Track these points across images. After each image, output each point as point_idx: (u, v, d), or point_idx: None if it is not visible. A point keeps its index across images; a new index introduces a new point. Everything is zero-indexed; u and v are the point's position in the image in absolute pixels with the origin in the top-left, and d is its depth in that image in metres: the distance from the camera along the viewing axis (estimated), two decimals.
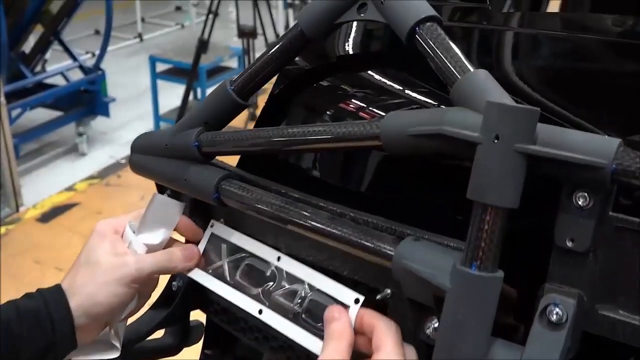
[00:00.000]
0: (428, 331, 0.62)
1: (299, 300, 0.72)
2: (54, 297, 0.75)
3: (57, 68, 5.04)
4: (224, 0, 4.96)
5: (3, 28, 4.04)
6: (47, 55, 5.29)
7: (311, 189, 0.75)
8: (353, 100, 0.79)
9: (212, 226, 0.84)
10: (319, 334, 0.69)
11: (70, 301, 0.75)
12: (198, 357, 0.95)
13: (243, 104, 0.78)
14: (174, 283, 0.90)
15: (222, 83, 0.79)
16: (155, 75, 5.10)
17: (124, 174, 4.34)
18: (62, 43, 4.96)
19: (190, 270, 0.83)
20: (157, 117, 5.08)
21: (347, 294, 0.67)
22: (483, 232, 0.53)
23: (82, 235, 3.57)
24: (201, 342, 0.95)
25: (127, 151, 4.62)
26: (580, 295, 0.54)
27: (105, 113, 4.92)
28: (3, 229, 3.68)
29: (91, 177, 4.35)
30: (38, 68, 5.11)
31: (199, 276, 0.83)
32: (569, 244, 0.54)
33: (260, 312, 0.76)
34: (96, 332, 0.79)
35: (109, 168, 4.45)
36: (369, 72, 0.82)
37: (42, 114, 4.86)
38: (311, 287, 0.72)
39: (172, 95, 5.19)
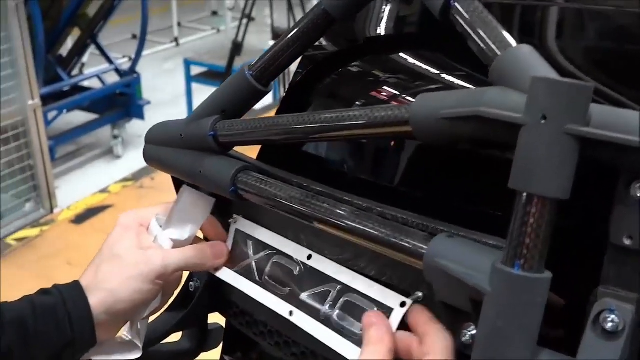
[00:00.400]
0: (464, 339, 0.55)
1: (331, 302, 0.66)
2: (72, 293, 0.71)
3: (94, 71, 5.06)
4: (259, 0, 4.93)
5: (40, 31, 4.06)
6: (85, 59, 5.33)
7: (335, 182, 0.69)
8: (382, 86, 0.73)
9: (235, 222, 0.78)
10: (354, 338, 0.63)
11: (90, 297, 0.71)
12: None
13: (263, 90, 0.73)
14: (191, 283, 0.84)
15: (241, 69, 0.74)
16: (190, 78, 5.09)
17: (157, 177, 4.32)
18: (98, 46, 4.98)
19: (218, 268, 0.78)
20: None
21: (391, 297, 0.61)
22: (528, 227, 0.46)
23: None
24: (220, 347, 0.89)
25: None
26: (639, 301, 0.47)
27: (140, 116, 4.92)
28: (37, 231, 3.70)
29: (125, 180, 4.35)
30: (75, 71, 5.15)
31: (227, 275, 0.78)
32: (627, 241, 0.47)
33: (291, 313, 0.70)
34: (116, 329, 0.75)
35: (142, 170, 4.44)
36: (400, 54, 0.75)
37: (78, 117, 4.89)
38: (346, 288, 0.66)
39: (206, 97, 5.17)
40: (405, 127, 0.55)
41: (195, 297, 0.82)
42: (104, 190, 4.20)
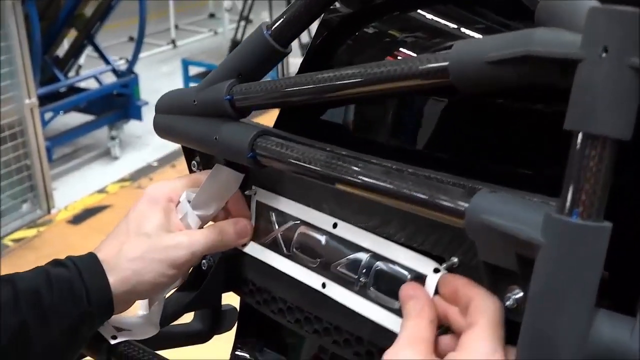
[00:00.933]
0: (508, 303, 0.51)
1: (364, 271, 0.63)
2: (90, 268, 0.67)
3: (91, 72, 5.02)
4: (258, 0, 4.90)
5: (37, 31, 4.02)
6: (82, 61, 5.28)
7: (359, 148, 0.65)
8: (408, 45, 0.69)
9: (255, 194, 0.74)
10: (392, 308, 0.60)
11: (110, 274, 0.67)
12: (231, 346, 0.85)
13: (282, 52, 0.68)
14: (203, 261, 0.80)
15: (258, 28, 0.69)
16: (188, 79, 5.06)
17: (156, 177, 4.29)
18: (95, 47, 4.94)
19: (244, 246, 0.75)
20: None
21: (423, 263, 0.58)
22: (587, 171, 0.42)
23: None
24: (234, 329, 0.85)
25: (159, 155, 4.62)
26: None
27: (138, 117, 4.88)
28: (35, 231, 3.65)
29: (123, 180, 4.31)
30: (72, 73, 5.10)
31: (254, 250, 0.75)
32: None
33: (323, 285, 0.67)
34: (132, 304, 0.72)
35: (140, 171, 4.40)
36: (424, 14, 0.71)
37: (75, 118, 4.84)
38: (377, 255, 0.62)
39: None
40: (443, 77, 0.52)
41: (208, 276, 0.78)
42: (101, 191, 4.15)
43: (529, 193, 0.51)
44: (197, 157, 0.78)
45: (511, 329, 0.51)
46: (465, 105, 0.63)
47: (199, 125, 0.71)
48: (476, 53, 0.49)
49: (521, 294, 0.51)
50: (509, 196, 0.49)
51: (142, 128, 5.00)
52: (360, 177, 0.57)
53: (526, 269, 0.48)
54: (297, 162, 0.62)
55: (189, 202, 0.73)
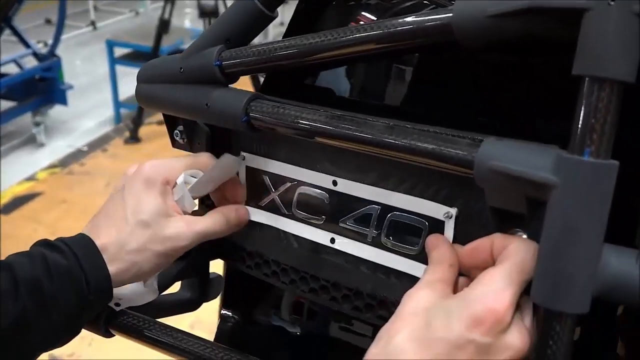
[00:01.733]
0: None
1: (376, 223, 0.65)
2: (88, 256, 0.66)
3: (10, 56, 4.81)
4: None
5: None
6: None
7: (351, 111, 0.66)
8: (400, 7, 0.70)
9: (244, 159, 0.75)
10: (412, 255, 0.64)
11: (111, 265, 0.66)
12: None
13: (270, 16, 0.69)
14: None
15: None
16: (113, 61, 4.91)
17: (87, 162, 4.17)
18: (14, 30, 4.73)
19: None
20: (118, 104, 4.90)
21: (435, 209, 0.61)
22: (597, 112, 0.45)
23: (47, 225, 3.42)
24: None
25: (87, 139, 4.49)
26: None
27: (63, 101, 4.71)
28: None
29: (53, 166, 4.17)
30: None
31: (255, 215, 0.75)
32: None
33: (332, 240, 0.69)
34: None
35: (70, 156, 4.27)
36: None
37: None
38: (388, 207, 0.64)
39: (132, 81, 4.96)
40: (445, 33, 0.54)
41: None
42: (30, 178, 4.01)
43: (531, 142, 0.54)
44: (180, 126, 0.78)
45: None
46: (461, 61, 0.65)
47: (187, 92, 0.71)
48: (479, 7, 0.51)
49: (524, 235, 0.54)
50: (515, 143, 0.52)
51: (67, 112, 4.84)
52: (365, 133, 0.59)
53: (534, 211, 0.51)
54: (297, 123, 0.63)
55: (186, 184, 0.72)
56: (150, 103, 0.76)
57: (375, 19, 0.75)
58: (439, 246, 0.58)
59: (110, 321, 0.73)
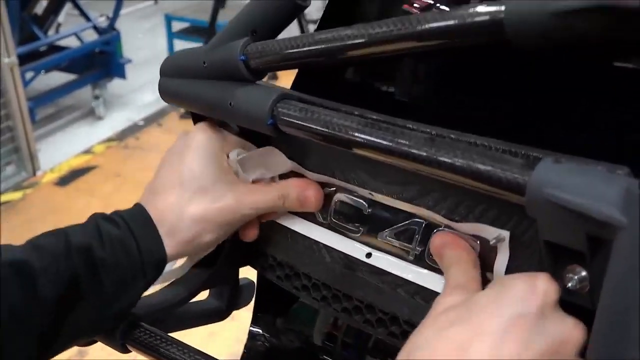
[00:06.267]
0: (570, 284, 0.47)
1: (419, 238, 0.59)
2: (140, 224, 0.64)
3: (71, 29, 4.86)
4: None
5: None
6: (62, 19, 5.11)
7: (391, 112, 0.59)
8: None
9: None
10: None
11: (170, 236, 0.64)
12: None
13: (301, 4, 0.62)
14: None
15: None
16: (171, 35, 4.92)
17: (142, 136, 4.19)
18: (75, 3, 4.78)
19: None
20: None
21: (488, 231, 0.53)
22: None
23: (101, 199, 3.45)
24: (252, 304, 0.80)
25: (145, 113, 4.51)
26: None
27: (122, 75, 4.75)
28: (20, 194, 3.56)
29: (109, 140, 4.21)
30: (52, 31, 4.94)
31: (287, 221, 0.70)
32: None
33: (368, 255, 0.63)
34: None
35: (126, 130, 4.30)
36: None
37: (57, 78, 4.70)
38: (434, 224, 0.57)
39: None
40: (496, 32, 0.46)
41: (224, 250, 0.73)
42: (87, 151, 4.06)
43: (592, 160, 0.46)
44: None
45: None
46: (516, 62, 0.57)
47: (211, 89, 0.65)
48: (539, 3, 0.43)
49: (584, 273, 0.46)
50: (576, 167, 0.43)
51: (126, 86, 4.88)
52: (400, 145, 0.51)
53: (596, 249, 0.43)
54: (325, 130, 0.56)
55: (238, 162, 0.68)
56: (173, 99, 0.70)
57: (431, 2, 0.67)
58: (452, 244, 0.54)
59: (126, 336, 0.67)
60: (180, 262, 0.72)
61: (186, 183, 0.65)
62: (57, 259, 0.59)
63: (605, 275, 0.40)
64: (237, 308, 0.77)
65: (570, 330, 0.44)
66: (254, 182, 0.69)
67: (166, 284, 0.72)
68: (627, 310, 0.39)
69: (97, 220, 0.63)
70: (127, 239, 0.62)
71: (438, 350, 0.43)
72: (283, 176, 0.70)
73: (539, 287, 0.45)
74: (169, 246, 0.64)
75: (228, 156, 0.68)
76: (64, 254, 0.60)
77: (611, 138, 0.56)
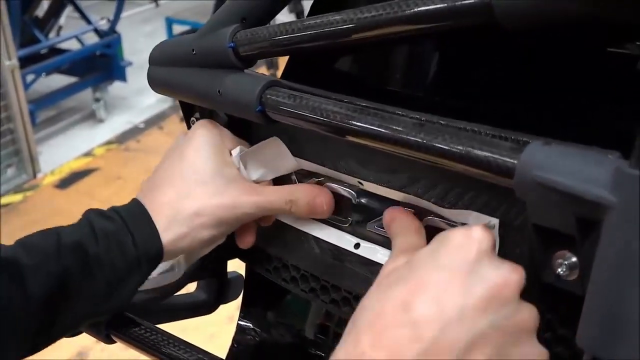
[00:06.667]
0: (560, 270, 0.46)
1: None
2: (136, 218, 0.62)
3: (72, 32, 4.87)
4: None
5: None
6: (62, 22, 5.12)
7: (380, 99, 0.58)
8: None
9: None
10: None
11: (168, 229, 0.62)
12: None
13: None
14: None
15: None
16: (172, 37, 4.92)
17: (143, 139, 4.19)
18: (76, 6, 4.79)
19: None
20: None
21: (479, 218, 0.52)
22: None
23: (101, 201, 3.44)
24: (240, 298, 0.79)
25: (145, 116, 4.51)
26: None
27: (122, 78, 4.75)
28: (21, 196, 3.56)
29: (110, 143, 4.21)
30: (52, 34, 4.95)
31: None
32: None
33: (357, 246, 0.62)
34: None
35: (127, 133, 4.30)
36: None
37: (58, 80, 4.71)
38: (424, 211, 0.57)
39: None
40: (485, 12, 0.45)
41: None
42: (88, 154, 4.06)
43: (582, 145, 0.45)
44: (197, 112, 0.71)
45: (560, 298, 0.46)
46: (503, 46, 0.56)
47: (200, 77, 0.64)
48: None
49: (574, 259, 0.45)
50: (565, 149, 0.43)
51: (126, 89, 4.88)
52: (389, 131, 0.50)
53: (586, 232, 0.42)
54: (313, 116, 0.55)
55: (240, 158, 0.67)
56: (162, 88, 0.69)
57: None
58: (400, 217, 0.55)
59: (111, 326, 0.67)
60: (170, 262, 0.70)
61: (186, 177, 0.64)
62: (47, 257, 0.58)
63: (595, 258, 0.39)
64: (226, 302, 0.77)
65: (508, 273, 0.44)
66: (256, 182, 0.67)
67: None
68: (616, 293, 0.38)
69: (91, 216, 0.62)
70: (122, 233, 0.61)
71: (383, 310, 0.43)
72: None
73: (474, 236, 0.45)
74: (166, 240, 0.62)
75: (231, 153, 0.67)
76: (55, 252, 0.59)
77: (603, 126, 0.56)
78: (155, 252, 0.61)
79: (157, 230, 0.61)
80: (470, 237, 0.45)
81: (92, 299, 0.60)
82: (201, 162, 0.64)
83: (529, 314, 0.44)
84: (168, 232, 0.62)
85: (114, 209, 0.63)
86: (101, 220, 0.61)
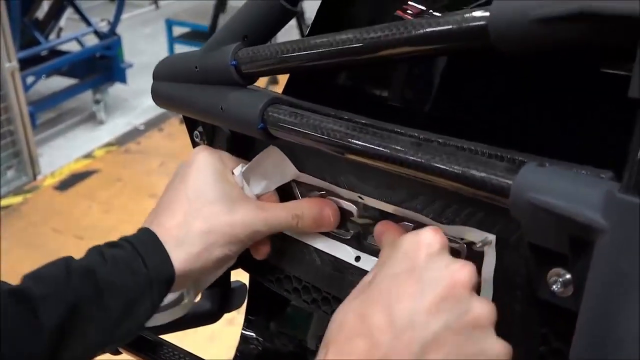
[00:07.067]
0: (555, 287, 0.47)
1: None
2: (145, 242, 0.62)
3: (72, 34, 4.88)
4: None
5: None
6: (62, 24, 5.13)
7: (381, 116, 0.59)
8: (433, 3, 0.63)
9: None
10: None
11: (178, 249, 0.61)
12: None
13: (291, 10, 0.63)
14: None
15: None
16: (172, 40, 4.93)
17: (143, 141, 4.20)
18: (76, 8, 4.79)
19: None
20: None
21: (476, 234, 0.53)
22: None
23: (101, 203, 3.45)
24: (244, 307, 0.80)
25: (145, 118, 4.52)
26: None
27: (122, 79, 4.76)
28: (21, 198, 3.57)
29: (109, 144, 4.22)
30: (53, 36, 4.96)
31: None
32: None
33: (357, 259, 0.64)
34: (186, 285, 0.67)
35: (127, 135, 4.31)
36: None
37: (58, 82, 4.72)
38: (421, 225, 0.57)
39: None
40: (480, 38, 0.46)
41: None
42: (88, 156, 4.06)
43: (577, 165, 0.47)
44: (200, 127, 0.72)
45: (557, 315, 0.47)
46: (502, 67, 0.57)
47: (203, 94, 0.66)
48: (520, 9, 0.43)
49: (568, 276, 0.47)
50: (559, 170, 0.44)
51: (127, 91, 4.89)
52: (388, 150, 0.52)
53: (579, 252, 0.43)
54: (314, 134, 0.57)
55: (243, 175, 0.68)
56: (166, 103, 0.71)
57: (424, 8, 0.68)
58: (390, 230, 0.57)
59: None
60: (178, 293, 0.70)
61: (192, 199, 0.63)
62: (57, 284, 0.58)
63: (587, 278, 0.40)
64: (229, 310, 0.78)
65: (458, 272, 0.46)
66: (259, 197, 0.68)
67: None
68: (607, 311, 0.39)
69: (99, 246, 0.62)
70: (132, 258, 0.60)
71: (346, 322, 0.46)
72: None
73: (421, 240, 0.47)
74: (177, 261, 0.61)
75: (233, 173, 0.68)
76: (64, 278, 0.58)
77: (596, 143, 0.57)
78: (166, 274, 0.61)
79: (167, 253, 0.61)
80: (419, 242, 0.47)
81: (103, 325, 0.59)
82: (205, 184, 0.64)
83: (483, 309, 0.46)
84: (179, 250, 0.61)
85: (122, 239, 0.62)
86: (110, 248, 0.61)
